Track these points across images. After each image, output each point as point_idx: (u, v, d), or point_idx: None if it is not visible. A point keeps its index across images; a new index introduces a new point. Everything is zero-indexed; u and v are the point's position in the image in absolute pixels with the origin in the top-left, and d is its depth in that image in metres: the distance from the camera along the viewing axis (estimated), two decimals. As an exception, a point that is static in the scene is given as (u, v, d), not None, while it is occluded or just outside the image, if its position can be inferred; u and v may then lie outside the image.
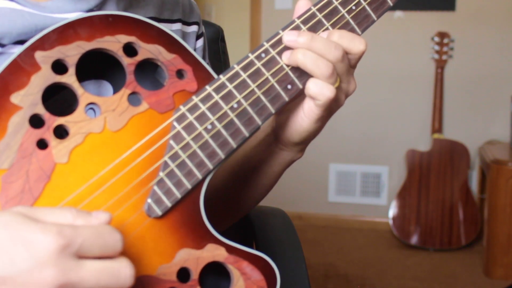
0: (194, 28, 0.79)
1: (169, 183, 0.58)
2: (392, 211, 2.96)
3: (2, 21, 0.60)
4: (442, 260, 2.75)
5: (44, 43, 0.55)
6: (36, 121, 0.54)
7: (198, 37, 0.79)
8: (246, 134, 0.61)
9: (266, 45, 0.63)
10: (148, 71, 0.63)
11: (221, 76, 0.61)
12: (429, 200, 2.91)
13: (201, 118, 0.59)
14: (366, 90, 2.99)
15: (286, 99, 0.63)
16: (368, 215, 3.17)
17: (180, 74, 0.61)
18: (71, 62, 0.56)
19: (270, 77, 0.62)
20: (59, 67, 0.56)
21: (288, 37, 0.62)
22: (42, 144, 0.54)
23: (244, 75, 0.62)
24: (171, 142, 0.58)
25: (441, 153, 2.90)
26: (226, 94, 0.61)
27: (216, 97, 0.60)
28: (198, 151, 0.59)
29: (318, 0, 0.65)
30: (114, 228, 0.49)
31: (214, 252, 0.59)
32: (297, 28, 0.64)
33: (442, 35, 2.95)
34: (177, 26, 0.76)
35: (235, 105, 0.61)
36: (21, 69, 0.54)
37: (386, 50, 3.01)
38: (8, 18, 0.60)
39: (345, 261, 2.73)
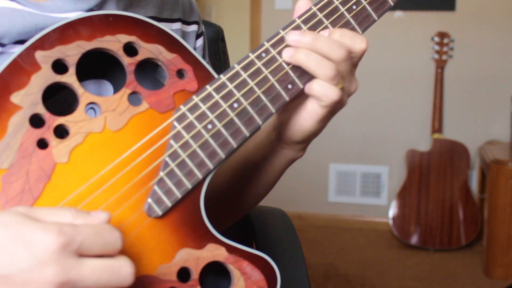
0: (194, 27, 0.79)
1: (169, 182, 0.58)
2: (392, 211, 2.96)
3: (2, 21, 0.60)
4: (442, 260, 2.75)
5: (44, 42, 0.55)
6: (36, 121, 0.54)
7: (198, 37, 0.79)
8: (247, 134, 0.61)
9: (267, 45, 0.63)
10: (149, 71, 0.63)
11: (221, 75, 0.61)
12: (429, 200, 2.91)
13: (202, 118, 0.59)
14: (366, 90, 2.99)
15: (287, 98, 0.63)
16: (368, 215, 3.17)
17: (180, 73, 0.61)
18: (71, 61, 0.56)
19: (270, 77, 0.62)
20: (59, 66, 0.56)
21: (291, 36, 0.62)
22: (42, 144, 0.54)
23: (244, 75, 0.61)
24: (172, 141, 0.58)
25: (441, 153, 2.90)
26: (226, 94, 0.61)
27: (217, 97, 0.60)
28: (199, 151, 0.59)
29: (318, 0, 0.65)
30: (114, 227, 0.49)
31: (214, 252, 0.59)
32: (297, 27, 0.64)
33: (442, 35, 2.95)
34: (177, 25, 0.76)
35: (236, 105, 0.61)
36: (21, 68, 0.54)
37: (386, 50, 3.01)
38: (8, 18, 0.60)
39: (345, 261, 2.73)
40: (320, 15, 0.65)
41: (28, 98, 0.54)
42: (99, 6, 0.65)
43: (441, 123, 2.95)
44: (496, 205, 2.51)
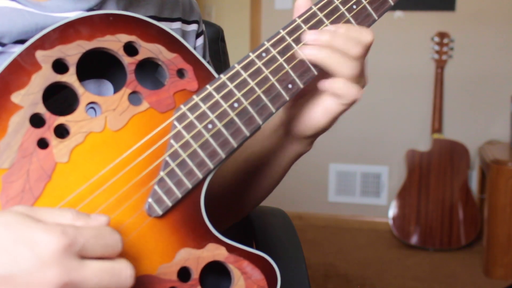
0: (194, 26, 0.79)
1: (169, 182, 0.58)
2: (392, 211, 2.96)
3: (2, 21, 0.60)
4: (442, 260, 2.75)
5: (45, 42, 0.55)
6: (36, 121, 0.54)
7: (198, 36, 0.79)
8: (247, 133, 0.61)
9: (267, 45, 0.63)
10: (149, 71, 0.63)
11: (221, 75, 0.61)
12: (429, 200, 2.91)
13: (202, 118, 0.59)
14: (366, 90, 2.96)
15: (287, 98, 0.63)
16: (368, 215, 3.17)
17: (180, 73, 0.61)
18: (72, 61, 0.56)
19: (270, 77, 0.62)
20: (59, 66, 0.56)
21: (310, 36, 0.63)
22: (42, 144, 0.54)
23: (244, 75, 0.62)
24: (172, 141, 0.58)
25: (441, 153, 2.90)
26: (226, 94, 0.61)
27: (217, 97, 0.60)
28: (199, 151, 0.59)
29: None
30: (114, 229, 0.49)
31: (214, 252, 0.59)
32: (298, 27, 0.64)
33: (442, 35, 2.95)
34: (177, 25, 0.76)
35: (236, 105, 0.61)
36: (22, 68, 0.54)
37: (386, 50, 3.01)
38: (9, 18, 0.60)
39: (345, 261, 2.73)
40: (320, 15, 0.65)
41: (28, 97, 0.54)
42: (99, 6, 0.65)
43: (441, 123, 2.95)
44: (496, 205, 2.51)
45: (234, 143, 0.60)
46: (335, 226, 3.16)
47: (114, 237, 0.49)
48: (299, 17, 0.65)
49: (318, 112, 0.67)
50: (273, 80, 0.63)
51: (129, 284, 0.48)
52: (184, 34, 0.77)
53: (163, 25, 0.61)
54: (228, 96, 0.61)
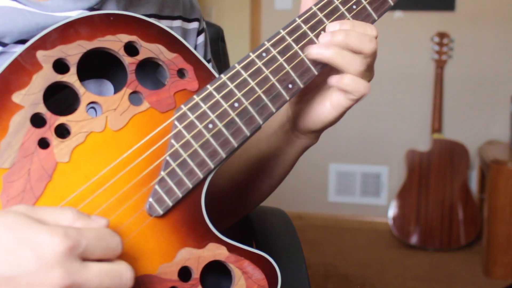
0: (195, 24, 0.79)
1: (170, 182, 0.58)
2: (392, 211, 2.96)
3: (3, 20, 0.60)
4: (442, 260, 2.75)
5: (45, 42, 0.55)
6: (37, 121, 0.54)
7: (199, 33, 0.79)
8: (247, 133, 0.61)
9: (267, 44, 0.63)
10: (149, 70, 0.63)
11: (222, 75, 0.61)
12: (429, 200, 2.91)
13: (202, 117, 0.60)
14: (366, 90, 2.98)
15: (287, 98, 0.63)
16: (368, 215, 3.17)
17: (181, 73, 0.61)
18: (72, 61, 0.56)
19: (271, 77, 0.63)
20: (60, 66, 0.56)
21: (323, 39, 0.64)
22: (43, 143, 0.54)
23: (245, 74, 0.62)
24: (172, 141, 0.58)
25: (441, 153, 2.90)
26: (227, 93, 0.61)
27: (217, 96, 0.60)
28: (199, 150, 0.59)
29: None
30: (115, 232, 0.49)
31: (215, 251, 0.59)
32: (298, 27, 0.64)
33: (442, 35, 2.95)
34: (178, 23, 0.76)
35: (236, 104, 0.61)
36: (23, 68, 0.54)
37: (386, 50, 3.01)
38: (9, 17, 0.60)
39: (345, 261, 2.73)
40: (320, 15, 0.65)
41: (29, 97, 0.54)
42: (99, 5, 0.65)
43: (441, 123, 2.95)
44: (496, 205, 2.51)
45: (234, 143, 0.61)
46: (335, 226, 3.16)
47: (115, 239, 0.49)
48: (299, 17, 0.65)
49: (326, 107, 0.68)
50: (273, 80, 0.63)
51: (129, 286, 0.49)
52: (185, 32, 0.77)
53: (163, 24, 0.61)
54: (228, 96, 0.61)
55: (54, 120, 0.55)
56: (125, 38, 0.58)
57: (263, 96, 0.62)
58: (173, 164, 0.58)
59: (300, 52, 0.64)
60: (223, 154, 0.60)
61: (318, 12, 0.65)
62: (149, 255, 0.56)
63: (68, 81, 0.56)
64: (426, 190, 2.92)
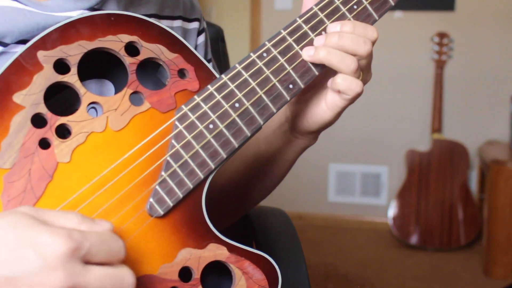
0: (195, 24, 0.79)
1: (171, 182, 0.58)
2: (392, 211, 2.96)
3: (3, 20, 0.60)
4: (442, 260, 2.75)
5: (46, 42, 0.55)
6: (38, 121, 0.54)
7: (199, 33, 0.79)
8: (248, 133, 0.61)
9: (268, 45, 0.63)
10: (150, 71, 0.63)
11: (223, 75, 0.61)
12: (429, 200, 2.91)
13: (203, 118, 0.60)
14: (366, 90, 2.96)
15: (288, 98, 0.63)
16: (368, 215, 3.17)
17: (182, 73, 0.61)
18: (73, 61, 0.56)
19: (271, 77, 0.63)
20: (61, 66, 0.56)
21: (318, 42, 0.64)
22: (44, 144, 0.54)
23: (245, 75, 0.62)
24: (173, 141, 0.58)
25: (441, 153, 2.91)
26: (227, 94, 0.61)
27: (218, 97, 0.60)
28: (200, 151, 0.59)
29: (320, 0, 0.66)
30: (118, 236, 0.49)
31: (215, 252, 0.59)
32: (298, 28, 0.64)
33: (442, 35, 2.95)
34: (178, 23, 0.76)
35: (237, 105, 0.61)
36: (23, 68, 0.54)
37: (386, 50, 3.01)
38: (10, 17, 0.60)
39: (345, 261, 2.73)
40: (321, 15, 0.65)
41: (30, 98, 0.54)
42: (100, 5, 0.65)
43: (440, 123, 2.95)
44: (496, 205, 2.51)
45: (235, 143, 0.61)
46: (335, 226, 3.16)
47: (118, 243, 0.49)
48: (300, 17, 0.65)
49: (322, 107, 0.68)
50: (274, 80, 0.63)
51: None
52: (185, 32, 0.77)
53: (164, 24, 0.61)
54: (229, 96, 0.61)
55: (54, 120, 0.55)
56: (126, 38, 0.58)
57: (264, 97, 0.62)
58: (174, 165, 0.58)
59: (301, 52, 0.64)
60: (223, 155, 0.60)
61: (319, 12, 0.65)
62: (150, 256, 0.56)
63: (69, 81, 0.56)
64: (426, 190, 2.92)
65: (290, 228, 1.00)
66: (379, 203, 3.16)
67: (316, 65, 0.65)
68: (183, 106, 0.59)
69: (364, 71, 0.67)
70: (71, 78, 0.56)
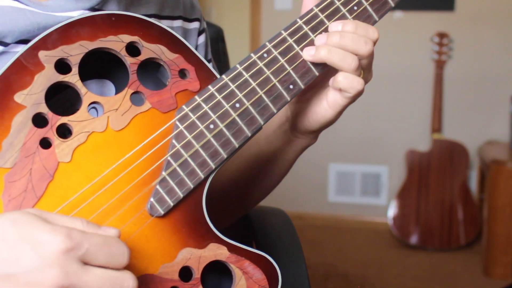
0: (195, 24, 0.79)
1: (171, 182, 0.58)
2: (392, 211, 2.96)
3: (4, 20, 0.60)
4: (442, 260, 2.75)
5: (47, 42, 0.55)
6: (39, 120, 0.54)
7: (199, 33, 0.80)
8: (248, 133, 0.61)
9: (269, 46, 0.63)
10: (151, 71, 0.63)
11: (223, 76, 0.61)
12: (429, 200, 2.91)
13: (204, 118, 0.60)
14: (366, 90, 2.97)
15: (288, 99, 0.63)
16: (367, 215, 3.17)
17: (182, 73, 0.61)
18: (74, 61, 0.56)
19: (272, 77, 0.63)
20: (62, 66, 0.56)
21: (319, 41, 0.64)
22: (45, 143, 0.54)
23: (246, 75, 0.62)
24: (174, 141, 0.59)
25: (441, 153, 2.91)
26: (228, 94, 0.61)
27: (219, 97, 0.60)
28: (201, 151, 0.59)
29: (320, 1, 0.66)
30: (123, 242, 0.49)
31: (216, 251, 0.59)
32: (299, 29, 0.64)
33: (442, 35, 2.95)
34: (178, 23, 0.76)
35: (237, 105, 0.61)
36: (25, 68, 0.54)
37: (386, 50, 3.01)
38: (10, 17, 0.60)
39: (345, 261, 2.73)
40: (321, 16, 0.65)
41: (31, 97, 0.54)
42: (100, 5, 0.65)
43: (440, 123, 2.95)
44: (496, 205, 2.51)
45: (235, 143, 0.61)
46: (335, 226, 3.16)
47: (121, 248, 0.48)
48: (301, 18, 0.65)
49: (323, 106, 0.68)
50: (274, 81, 0.63)
51: None
52: (185, 32, 0.77)
53: (165, 25, 0.61)
54: (229, 96, 0.61)
55: (55, 120, 0.55)
56: (127, 38, 0.59)
57: (264, 97, 0.62)
58: (174, 164, 0.58)
59: (301, 53, 0.64)
60: (224, 155, 0.60)
61: (319, 13, 0.65)
62: (150, 255, 0.56)
63: (70, 81, 0.56)
64: (426, 190, 2.92)
65: (290, 228, 1.00)
66: (379, 203, 3.16)
67: (316, 65, 0.65)
68: (184, 106, 0.59)
69: (365, 70, 0.67)
70: (72, 78, 0.56)
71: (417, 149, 2.96)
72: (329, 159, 3.16)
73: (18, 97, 0.54)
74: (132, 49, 0.59)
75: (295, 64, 0.64)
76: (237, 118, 0.61)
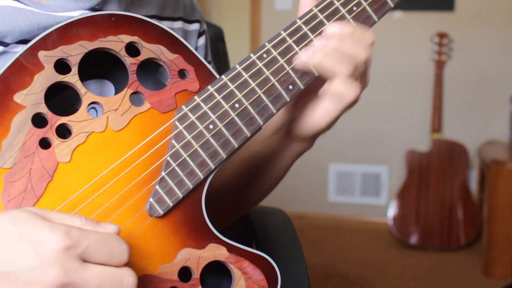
0: (196, 26, 0.79)
1: (170, 182, 0.58)
2: (392, 211, 2.96)
3: (4, 20, 0.60)
4: (442, 260, 2.75)
5: (47, 42, 0.56)
6: (38, 120, 0.54)
7: (200, 35, 0.80)
8: (248, 134, 0.61)
9: (268, 46, 0.63)
10: (150, 71, 0.63)
11: (223, 76, 0.61)
12: (429, 200, 2.91)
13: (203, 118, 0.60)
14: (366, 90, 2.97)
15: (288, 99, 0.63)
16: (367, 215, 3.17)
17: (182, 74, 0.61)
18: (74, 61, 0.56)
19: (271, 78, 0.63)
20: (62, 66, 0.56)
21: (317, 43, 0.63)
22: (44, 143, 0.54)
23: (245, 75, 0.62)
24: (173, 141, 0.59)
25: (441, 153, 2.91)
26: (227, 94, 0.61)
27: (218, 97, 0.60)
28: (200, 151, 0.59)
29: (320, 1, 0.66)
30: (122, 240, 0.49)
31: (215, 252, 0.59)
32: (298, 29, 0.64)
33: (442, 35, 2.95)
34: (179, 24, 0.76)
35: (237, 105, 0.61)
36: (24, 68, 0.54)
37: (385, 50, 3.01)
38: (10, 17, 0.60)
39: (345, 261, 2.73)
40: (321, 16, 0.65)
41: (30, 97, 0.54)
42: (101, 5, 0.65)
43: (440, 123, 2.95)
44: (496, 205, 2.51)
45: (235, 144, 0.61)
46: (335, 226, 3.16)
47: (121, 246, 0.48)
48: (300, 18, 0.65)
49: (319, 112, 0.67)
50: (274, 81, 0.63)
51: None
52: (186, 33, 0.77)
53: (165, 25, 0.61)
54: (229, 96, 0.61)
55: (55, 120, 0.55)
56: (127, 38, 0.59)
57: (264, 97, 0.62)
58: (174, 165, 0.58)
59: (300, 53, 0.64)
60: (223, 155, 0.60)
61: (319, 14, 0.65)
62: (150, 255, 0.57)
63: (69, 81, 0.56)
64: (426, 190, 2.92)
65: (290, 228, 1.00)
66: (379, 203, 3.16)
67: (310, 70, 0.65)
68: (183, 107, 0.59)
69: (361, 77, 0.66)
70: (72, 78, 0.56)
71: (417, 149, 2.96)
72: (329, 159, 3.16)
73: (18, 97, 0.54)
74: (132, 49, 0.59)
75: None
76: (236, 118, 0.61)
